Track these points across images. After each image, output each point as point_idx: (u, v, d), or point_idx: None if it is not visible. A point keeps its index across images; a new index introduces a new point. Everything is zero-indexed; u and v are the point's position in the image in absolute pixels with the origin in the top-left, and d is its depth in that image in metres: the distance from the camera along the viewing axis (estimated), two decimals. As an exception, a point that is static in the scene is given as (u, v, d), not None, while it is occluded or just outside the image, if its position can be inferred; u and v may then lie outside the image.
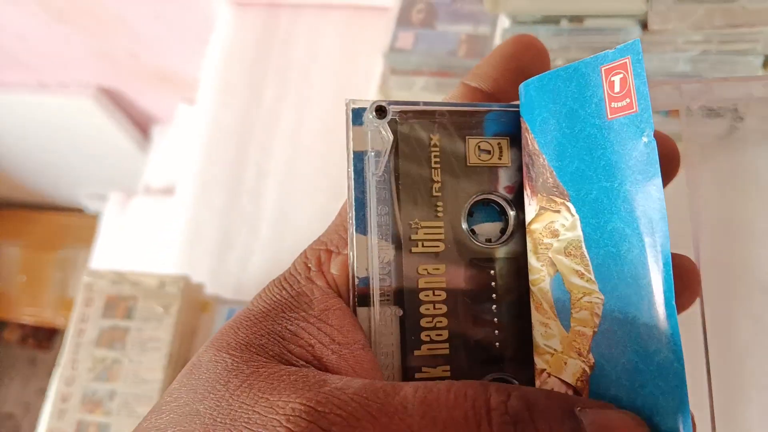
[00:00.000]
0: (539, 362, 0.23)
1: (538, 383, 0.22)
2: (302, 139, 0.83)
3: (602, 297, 0.21)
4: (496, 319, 0.23)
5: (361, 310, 0.22)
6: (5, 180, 1.51)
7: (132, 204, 1.04)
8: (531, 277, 0.23)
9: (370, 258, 0.23)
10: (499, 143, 0.24)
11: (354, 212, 0.23)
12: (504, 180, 0.24)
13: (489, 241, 0.24)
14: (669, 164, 0.24)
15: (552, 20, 0.51)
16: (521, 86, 0.24)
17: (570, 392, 0.22)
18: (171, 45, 1.09)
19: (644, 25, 0.50)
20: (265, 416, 0.18)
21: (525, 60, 0.25)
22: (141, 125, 1.31)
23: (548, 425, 0.19)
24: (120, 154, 1.34)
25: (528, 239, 0.23)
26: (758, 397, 0.42)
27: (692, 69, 0.51)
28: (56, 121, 1.31)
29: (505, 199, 0.24)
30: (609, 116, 0.21)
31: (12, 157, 1.45)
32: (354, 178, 0.23)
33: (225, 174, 0.84)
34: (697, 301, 0.25)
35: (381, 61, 0.64)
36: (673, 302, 0.20)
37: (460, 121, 0.24)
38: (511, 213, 0.24)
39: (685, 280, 0.23)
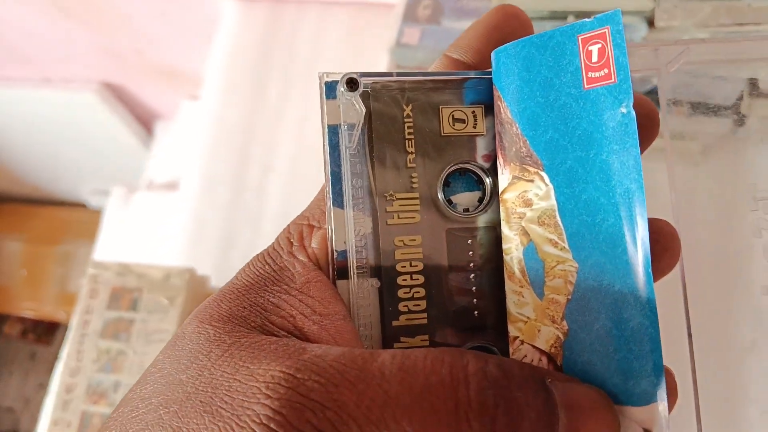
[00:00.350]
0: (512, 330, 0.23)
1: (511, 350, 0.23)
2: (306, 136, 0.83)
3: (576, 265, 0.21)
4: (474, 288, 0.24)
5: (341, 283, 0.23)
6: (7, 174, 1.51)
7: (135, 199, 1.05)
8: (504, 246, 0.23)
9: (347, 231, 0.23)
10: (473, 112, 0.24)
11: (331, 186, 0.23)
12: (481, 148, 0.24)
13: (467, 210, 0.24)
14: (647, 127, 0.24)
15: (559, 16, 0.51)
16: (493, 53, 0.23)
17: (544, 358, 0.22)
18: (176, 42, 1.10)
19: (651, 22, 0.50)
20: (245, 384, 0.19)
21: (508, 30, 0.24)
22: (144, 121, 1.31)
23: (524, 394, 0.19)
24: (122, 149, 1.34)
25: (501, 208, 0.23)
26: (745, 360, 0.42)
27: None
28: (59, 116, 1.31)
29: (482, 168, 0.24)
30: (585, 86, 0.21)
31: (14, 151, 1.45)
32: (329, 152, 0.23)
33: (229, 170, 0.84)
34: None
35: (386, 57, 0.64)
36: (650, 270, 0.20)
37: (434, 92, 0.24)
38: (488, 181, 0.24)
39: (663, 243, 0.23)
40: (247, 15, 0.90)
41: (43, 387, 1.44)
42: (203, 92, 0.90)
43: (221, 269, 0.79)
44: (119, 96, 1.26)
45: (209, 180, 0.84)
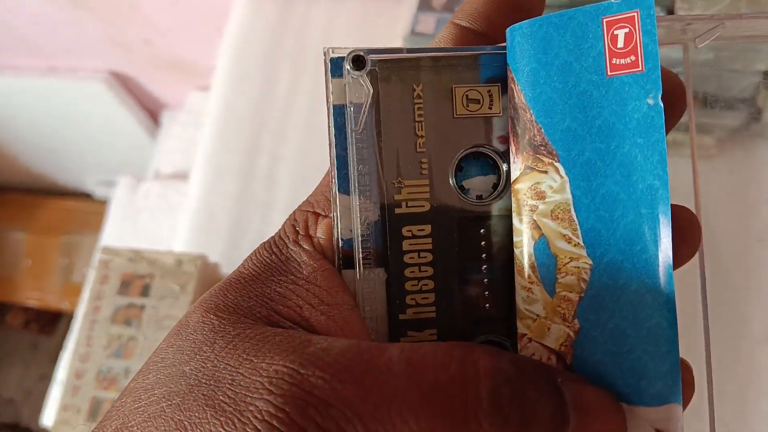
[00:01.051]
0: (521, 327, 0.22)
1: (519, 347, 0.22)
2: (316, 126, 0.83)
3: (590, 262, 0.20)
4: (486, 280, 0.22)
5: (347, 273, 0.22)
6: (12, 164, 1.51)
7: (141, 189, 1.04)
8: (514, 239, 0.22)
9: (353, 219, 0.22)
10: (489, 91, 0.22)
11: (336, 171, 0.21)
12: (497, 130, 0.22)
13: (480, 197, 0.22)
14: (672, 105, 0.22)
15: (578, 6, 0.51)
16: (507, 31, 0.22)
17: (553, 357, 0.21)
18: (185, 32, 1.09)
19: (670, 12, 0.50)
20: (249, 378, 0.18)
21: None
22: (151, 111, 1.31)
23: (537, 393, 0.18)
24: (129, 140, 1.34)
25: (512, 199, 0.22)
26: (759, 351, 0.42)
27: (714, 57, 0.52)
28: (65, 106, 1.31)
29: (497, 152, 0.22)
30: (609, 73, 0.20)
31: (19, 141, 1.45)
32: (335, 135, 0.21)
33: (238, 160, 0.84)
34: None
35: (401, 45, 0.64)
36: (671, 271, 0.19)
37: (446, 69, 0.22)
38: (504, 166, 0.22)
39: (683, 233, 0.22)
40: (258, 5, 0.90)
41: (44, 378, 1.43)
42: (213, 82, 0.90)
43: (230, 259, 0.79)
44: (126, 86, 1.26)
45: (218, 169, 0.84)
